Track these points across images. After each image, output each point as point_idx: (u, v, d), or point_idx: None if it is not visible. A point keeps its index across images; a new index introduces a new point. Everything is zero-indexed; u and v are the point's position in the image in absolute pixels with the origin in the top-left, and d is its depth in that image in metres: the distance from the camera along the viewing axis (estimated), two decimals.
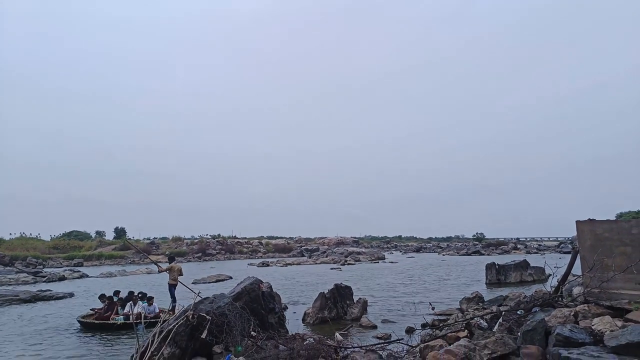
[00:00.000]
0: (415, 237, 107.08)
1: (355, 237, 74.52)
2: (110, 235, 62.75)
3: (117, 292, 12.09)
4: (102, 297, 11.86)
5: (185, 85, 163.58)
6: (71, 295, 17.31)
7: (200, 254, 48.00)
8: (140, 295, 11.54)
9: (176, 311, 10.24)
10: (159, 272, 12.24)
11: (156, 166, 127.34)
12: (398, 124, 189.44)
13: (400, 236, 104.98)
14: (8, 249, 40.06)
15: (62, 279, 25.55)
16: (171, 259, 13.18)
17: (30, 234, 51.85)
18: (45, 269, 32.07)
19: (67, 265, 36.59)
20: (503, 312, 7.31)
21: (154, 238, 61.03)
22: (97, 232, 63.86)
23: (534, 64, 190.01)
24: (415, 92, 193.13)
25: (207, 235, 61.80)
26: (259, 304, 8.25)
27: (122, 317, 10.78)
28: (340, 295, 11.43)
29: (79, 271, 29.29)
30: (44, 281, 24.27)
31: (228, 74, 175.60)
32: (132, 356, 6.25)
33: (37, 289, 18.23)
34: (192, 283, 21.73)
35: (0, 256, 35.47)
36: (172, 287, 11.81)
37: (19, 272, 28.76)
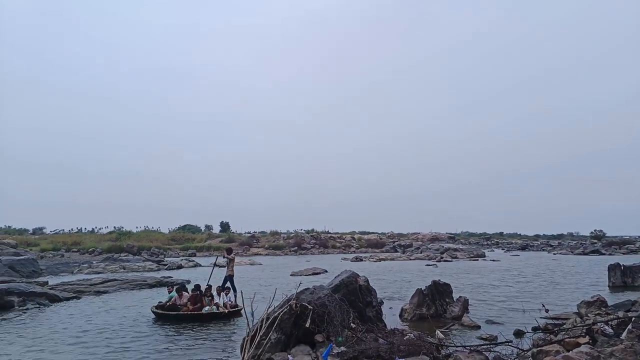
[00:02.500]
0: (519, 234, 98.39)
1: (450, 233, 71.24)
2: (217, 229, 68.81)
3: (197, 286, 12.28)
4: (180, 289, 11.97)
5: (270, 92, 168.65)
6: (188, 282, 19.36)
7: (296, 248, 50.17)
8: (208, 287, 11.97)
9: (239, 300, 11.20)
10: (228, 261, 13.13)
11: (249, 172, 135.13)
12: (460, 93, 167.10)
13: (502, 233, 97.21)
14: (135, 240, 46.33)
15: (179, 267, 28.81)
16: (229, 251, 14.03)
17: (152, 227, 59.31)
18: (165, 258, 36.42)
19: (183, 255, 41.07)
20: (633, 318, 6.43)
21: (254, 232, 65.35)
22: (206, 226, 70.42)
23: None
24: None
25: (301, 230, 64.36)
26: (356, 297, 8.39)
27: (214, 307, 11.21)
28: (438, 292, 11.08)
29: (193, 260, 32.74)
30: (165, 269, 27.60)
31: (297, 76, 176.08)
32: (244, 339, 6.83)
33: (161, 276, 20.82)
34: (290, 275, 22.89)
35: (130, 246, 41.21)
36: (232, 278, 12.85)
37: (145, 260, 33.14)
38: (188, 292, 11.93)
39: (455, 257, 38.91)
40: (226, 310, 11.11)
